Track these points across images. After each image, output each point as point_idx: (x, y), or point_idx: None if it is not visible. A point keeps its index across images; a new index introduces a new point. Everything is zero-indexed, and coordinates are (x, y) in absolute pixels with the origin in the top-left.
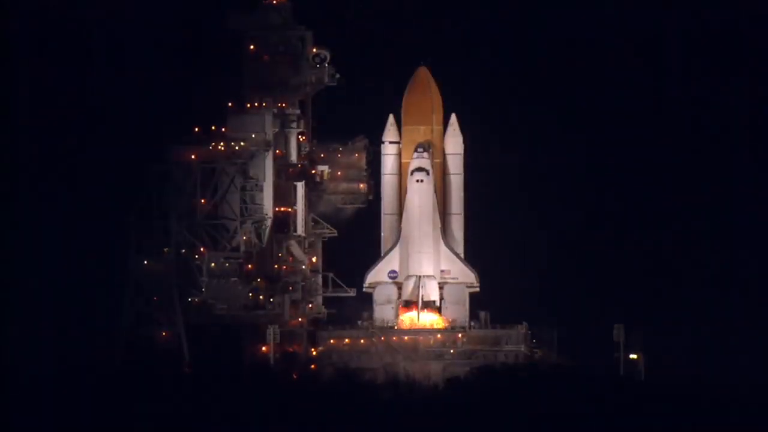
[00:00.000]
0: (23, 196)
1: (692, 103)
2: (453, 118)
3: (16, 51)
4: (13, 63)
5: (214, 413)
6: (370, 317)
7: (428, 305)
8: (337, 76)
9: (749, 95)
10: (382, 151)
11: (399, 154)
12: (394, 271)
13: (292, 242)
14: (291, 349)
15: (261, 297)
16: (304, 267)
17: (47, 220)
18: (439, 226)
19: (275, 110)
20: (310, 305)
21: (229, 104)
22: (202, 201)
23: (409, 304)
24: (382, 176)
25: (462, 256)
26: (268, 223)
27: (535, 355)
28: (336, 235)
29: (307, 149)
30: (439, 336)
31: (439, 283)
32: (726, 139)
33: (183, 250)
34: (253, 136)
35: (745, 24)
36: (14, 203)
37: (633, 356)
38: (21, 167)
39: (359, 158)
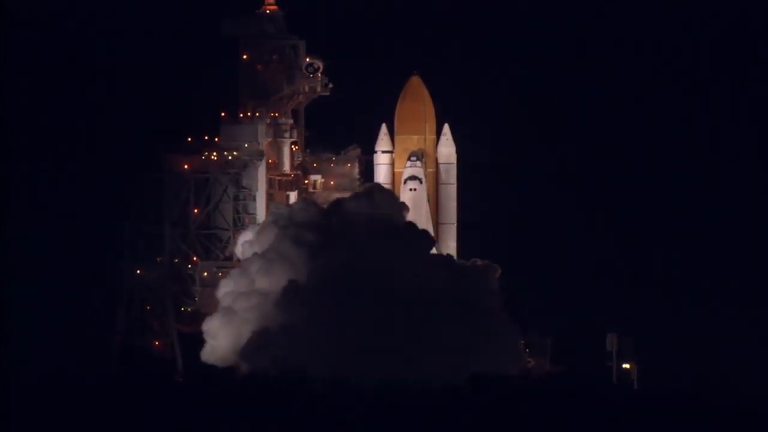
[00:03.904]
0: (17, 203)
1: (688, 109)
2: (446, 127)
3: (12, 58)
4: (10, 69)
5: (206, 422)
6: None
7: None
8: (330, 85)
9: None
10: (375, 161)
11: (392, 164)
12: None
13: None
14: None
15: None
16: None
17: (41, 228)
18: (432, 235)
19: (268, 120)
20: None
21: (222, 114)
22: (195, 210)
23: None
24: None
25: None
26: None
27: (529, 364)
28: None
29: (300, 159)
30: None
31: None
32: (721, 144)
33: (176, 260)
34: (246, 145)
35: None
36: (8, 210)
37: (626, 365)
38: (15, 174)
39: (352, 168)
